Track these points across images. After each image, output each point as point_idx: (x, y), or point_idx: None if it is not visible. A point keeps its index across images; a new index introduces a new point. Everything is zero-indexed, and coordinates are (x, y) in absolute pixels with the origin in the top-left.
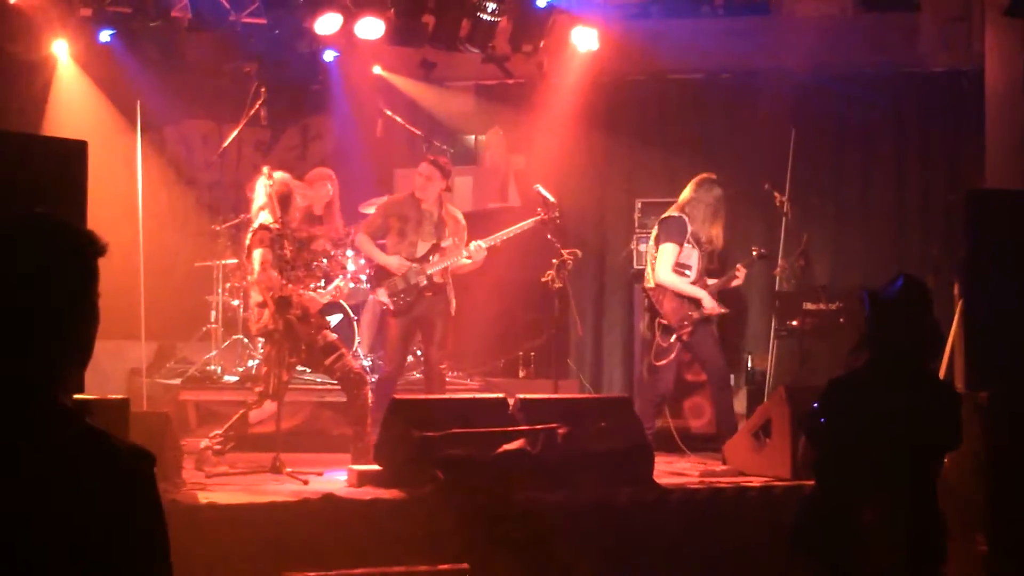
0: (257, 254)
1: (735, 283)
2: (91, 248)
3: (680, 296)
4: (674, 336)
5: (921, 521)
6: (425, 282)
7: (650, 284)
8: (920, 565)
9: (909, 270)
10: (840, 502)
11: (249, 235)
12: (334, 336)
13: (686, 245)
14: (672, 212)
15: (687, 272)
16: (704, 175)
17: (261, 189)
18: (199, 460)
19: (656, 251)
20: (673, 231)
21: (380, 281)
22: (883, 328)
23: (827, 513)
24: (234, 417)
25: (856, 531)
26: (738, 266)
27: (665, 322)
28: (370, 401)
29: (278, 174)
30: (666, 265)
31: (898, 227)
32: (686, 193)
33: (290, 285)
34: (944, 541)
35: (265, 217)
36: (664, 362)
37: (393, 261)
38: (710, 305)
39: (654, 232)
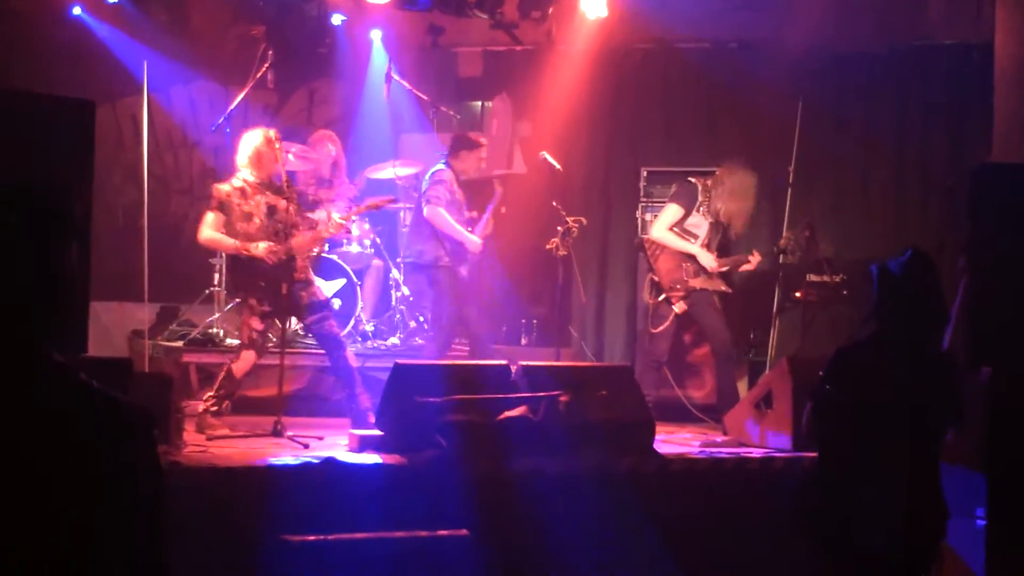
0: (207, 217)
1: (745, 268)
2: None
3: (678, 260)
4: (663, 296)
5: (921, 497)
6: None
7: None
8: (918, 542)
9: (914, 243)
10: (841, 476)
11: None
12: (322, 297)
13: (695, 213)
14: (691, 179)
15: (690, 238)
16: (735, 160)
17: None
18: (199, 424)
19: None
20: (681, 194)
21: (463, 258)
22: (889, 301)
23: (828, 489)
24: (220, 375)
25: (856, 508)
26: (754, 251)
27: (656, 279)
28: (353, 363)
29: (258, 131)
30: (663, 223)
31: (904, 200)
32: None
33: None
34: (943, 517)
35: (236, 176)
36: (660, 329)
37: (475, 240)
38: (707, 260)
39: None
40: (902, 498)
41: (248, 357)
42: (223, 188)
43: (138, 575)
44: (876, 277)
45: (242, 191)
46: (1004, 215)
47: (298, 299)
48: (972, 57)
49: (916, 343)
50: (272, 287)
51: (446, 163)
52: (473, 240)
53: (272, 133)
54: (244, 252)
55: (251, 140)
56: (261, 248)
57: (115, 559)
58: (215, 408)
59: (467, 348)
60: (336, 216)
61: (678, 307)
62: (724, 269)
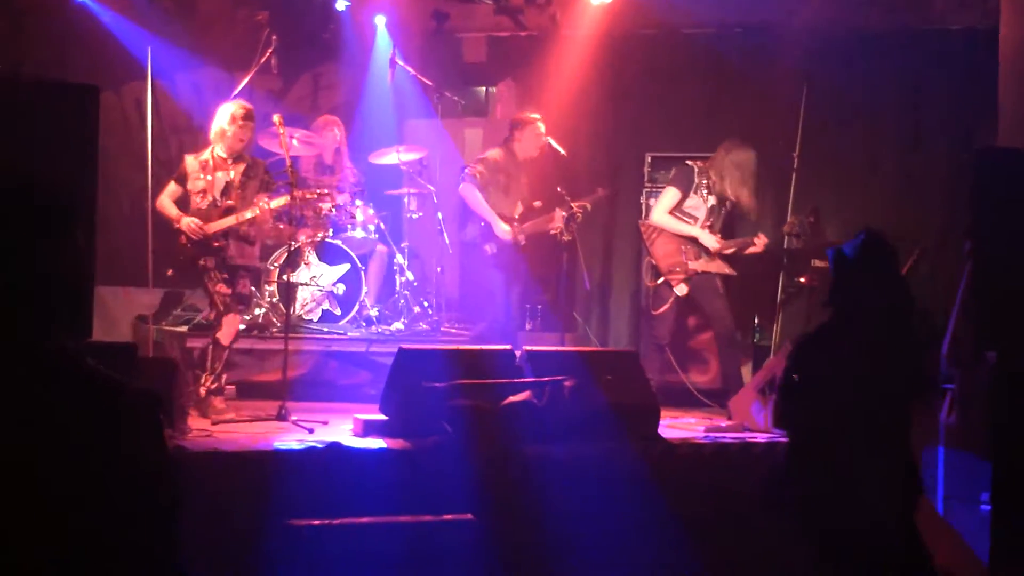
0: (167, 185)
1: (751, 250)
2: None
3: (677, 243)
4: (661, 279)
5: (892, 477)
6: (524, 242)
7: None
8: (891, 521)
9: (922, 228)
10: (812, 461)
11: None
12: (248, 292)
13: (693, 195)
14: (687, 162)
15: (688, 220)
16: (733, 139)
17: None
18: (204, 409)
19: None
20: (679, 177)
21: (490, 237)
22: (846, 283)
23: (799, 476)
24: (209, 352)
25: (828, 494)
26: (759, 233)
27: (654, 262)
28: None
29: (227, 105)
30: (662, 207)
31: (909, 185)
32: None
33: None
34: (916, 494)
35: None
36: (660, 311)
37: (502, 225)
38: (709, 241)
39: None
40: (874, 480)
41: (231, 322)
42: (188, 160)
43: (152, 563)
44: (832, 261)
45: (204, 165)
46: (1006, 199)
47: (233, 284)
48: (979, 42)
49: (876, 324)
50: (190, 262)
51: (502, 146)
52: (500, 225)
53: (241, 108)
54: (175, 224)
55: (219, 115)
56: (184, 222)
57: (127, 546)
58: (215, 386)
59: (467, 332)
60: (263, 203)
61: (679, 289)
62: (730, 251)
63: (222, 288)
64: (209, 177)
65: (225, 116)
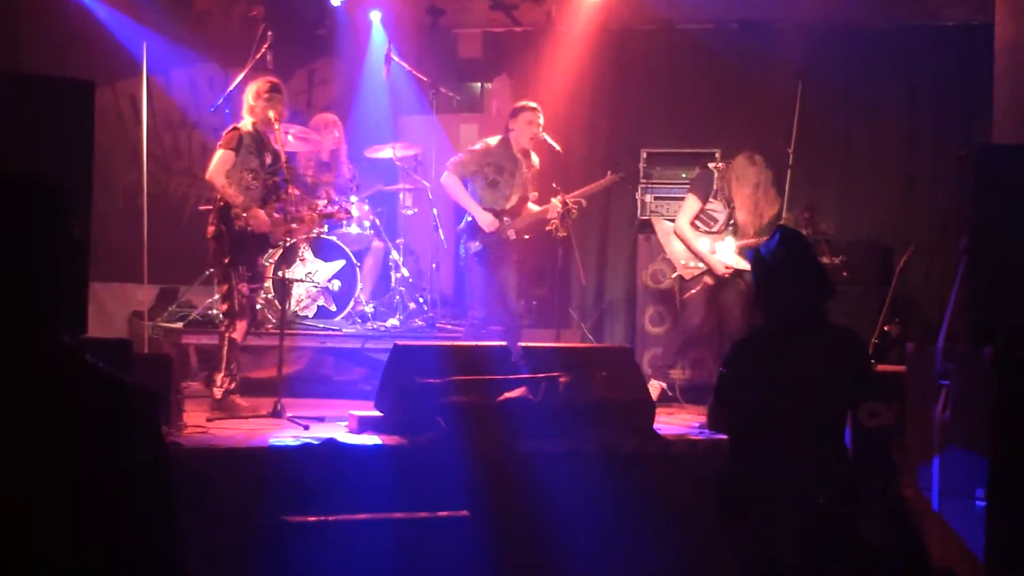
0: (218, 154)
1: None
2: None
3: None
4: (676, 273)
5: (836, 478)
6: (514, 236)
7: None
8: (837, 520)
9: (918, 224)
10: (754, 463)
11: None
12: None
13: (712, 200)
14: (709, 164)
15: (710, 223)
16: (751, 151)
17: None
18: (225, 407)
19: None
20: (697, 183)
21: (475, 233)
22: (769, 284)
23: (743, 475)
24: (224, 352)
25: (772, 491)
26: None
27: (670, 258)
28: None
29: (254, 83)
30: (685, 215)
31: (906, 181)
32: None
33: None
34: (866, 492)
35: (245, 120)
36: (689, 295)
37: (485, 215)
38: (717, 263)
39: None
40: (811, 480)
41: (243, 325)
42: (244, 127)
43: (152, 560)
44: (752, 265)
45: (256, 140)
46: (1006, 195)
47: (252, 266)
48: (974, 37)
49: (804, 321)
50: (251, 255)
51: (501, 136)
52: (483, 215)
53: (266, 82)
54: (240, 212)
55: (246, 94)
56: (254, 216)
57: (127, 544)
58: (233, 385)
59: (463, 329)
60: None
61: (719, 265)
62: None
63: (244, 288)
64: (259, 157)
65: (251, 93)
